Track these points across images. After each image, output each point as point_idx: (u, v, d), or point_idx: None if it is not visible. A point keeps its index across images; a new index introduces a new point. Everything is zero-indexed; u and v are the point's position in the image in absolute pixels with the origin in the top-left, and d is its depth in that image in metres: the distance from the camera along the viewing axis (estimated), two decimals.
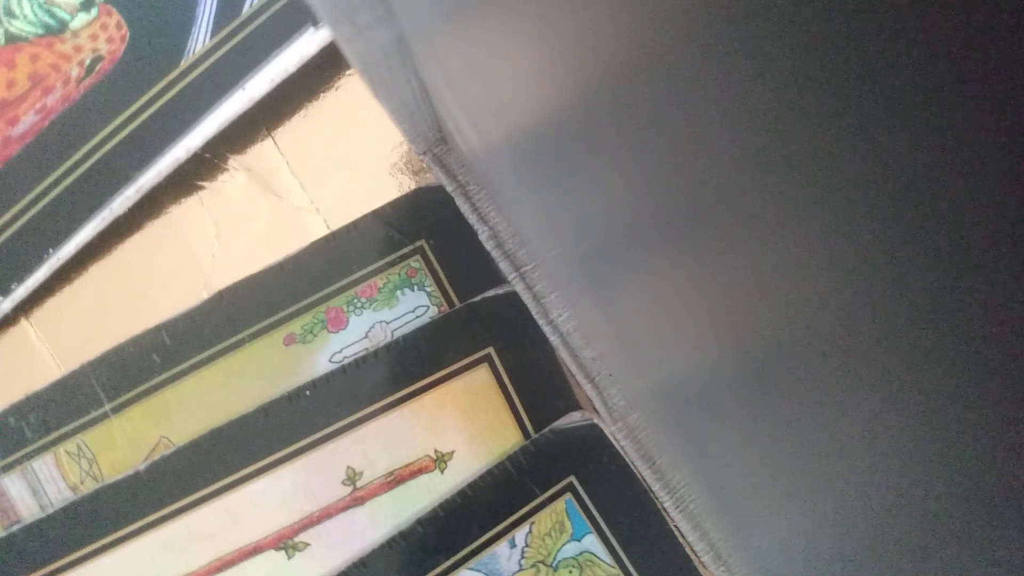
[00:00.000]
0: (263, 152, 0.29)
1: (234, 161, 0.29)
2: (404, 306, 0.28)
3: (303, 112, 0.29)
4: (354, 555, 0.27)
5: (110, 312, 0.29)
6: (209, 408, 0.28)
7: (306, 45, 0.28)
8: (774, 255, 0.09)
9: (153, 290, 0.29)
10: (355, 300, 0.28)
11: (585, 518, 0.27)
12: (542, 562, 0.27)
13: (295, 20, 0.28)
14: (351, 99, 0.29)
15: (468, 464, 0.28)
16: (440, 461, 0.28)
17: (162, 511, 0.27)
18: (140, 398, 0.28)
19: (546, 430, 0.28)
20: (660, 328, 0.17)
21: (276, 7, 0.28)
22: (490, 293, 0.28)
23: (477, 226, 0.28)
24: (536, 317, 0.28)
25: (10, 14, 0.28)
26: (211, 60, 0.28)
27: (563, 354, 0.28)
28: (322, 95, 0.29)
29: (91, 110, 0.28)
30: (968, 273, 0.06)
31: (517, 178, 0.21)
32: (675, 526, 0.27)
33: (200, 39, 0.28)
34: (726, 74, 0.07)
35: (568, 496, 0.27)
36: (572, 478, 0.27)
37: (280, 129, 0.29)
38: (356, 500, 0.27)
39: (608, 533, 0.27)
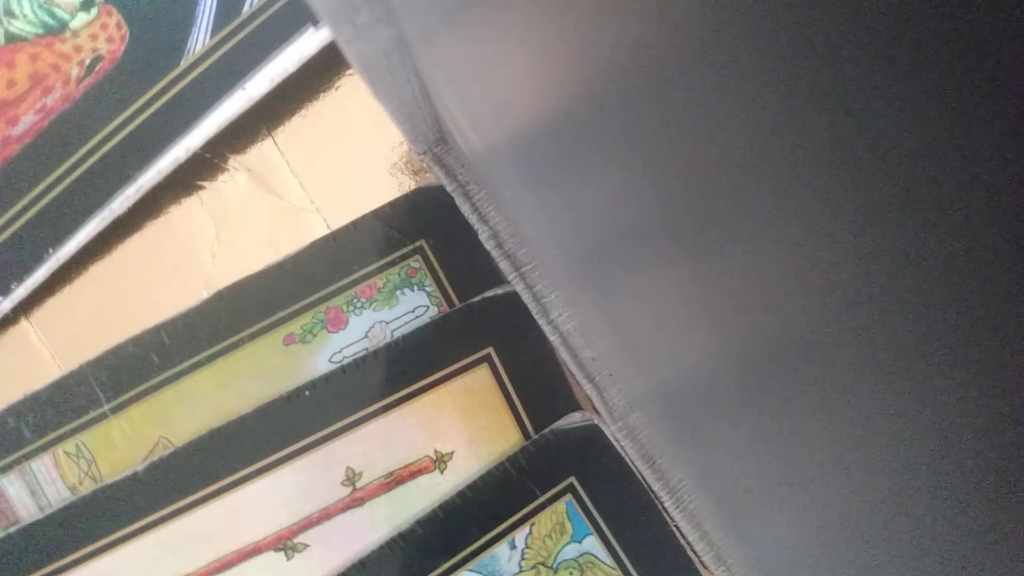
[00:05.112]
0: (263, 152, 0.29)
1: (234, 161, 0.29)
2: (404, 306, 0.28)
3: (303, 112, 0.29)
4: (353, 556, 0.27)
5: (110, 312, 0.29)
6: (208, 408, 0.28)
7: (306, 45, 0.28)
8: (775, 254, 0.09)
9: (153, 290, 0.29)
10: (355, 300, 0.28)
11: (585, 519, 0.27)
12: (542, 563, 0.27)
13: (295, 20, 0.28)
14: (351, 99, 0.29)
15: (468, 465, 0.28)
16: (440, 462, 0.28)
17: (161, 512, 0.27)
18: (139, 398, 0.28)
19: (546, 431, 0.27)
20: (660, 328, 0.17)
21: (276, 7, 0.28)
22: (490, 293, 0.28)
23: (477, 226, 0.28)
24: (536, 317, 0.28)
25: (10, 14, 0.28)
26: (211, 60, 0.28)
27: (563, 354, 0.28)
28: (322, 95, 0.29)
29: (91, 110, 0.28)
30: (969, 272, 0.06)
31: (517, 178, 0.20)
32: (675, 526, 0.27)
33: (200, 39, 0.28)
34: (727, 72, 0.07)
35: (568, 497, 0.27)
36: (572, 479, 0.27)
37: (280, 129, 0.29)
38: (356, 501, 0.27)
39: (608, 534, 0.27)
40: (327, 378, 0.27)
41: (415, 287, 0.28)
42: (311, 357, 0.28)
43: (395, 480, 0.28)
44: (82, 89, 0.28)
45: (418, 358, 0.28)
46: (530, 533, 0.27)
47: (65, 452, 0.28)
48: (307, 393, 0.27)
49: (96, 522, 0.27)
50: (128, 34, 0.28)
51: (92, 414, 0.28)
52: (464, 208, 0.28)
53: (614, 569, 0.27)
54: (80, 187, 0.28)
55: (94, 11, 0.28)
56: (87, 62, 0.28)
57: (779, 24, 0.06)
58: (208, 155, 0.29)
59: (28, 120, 0.28)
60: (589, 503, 0.27)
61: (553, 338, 0.27)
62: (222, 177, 0.29)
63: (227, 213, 0.29)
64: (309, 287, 0.28)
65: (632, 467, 0.27)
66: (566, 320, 0.27)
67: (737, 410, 0.15)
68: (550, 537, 0.27)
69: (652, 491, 0.27)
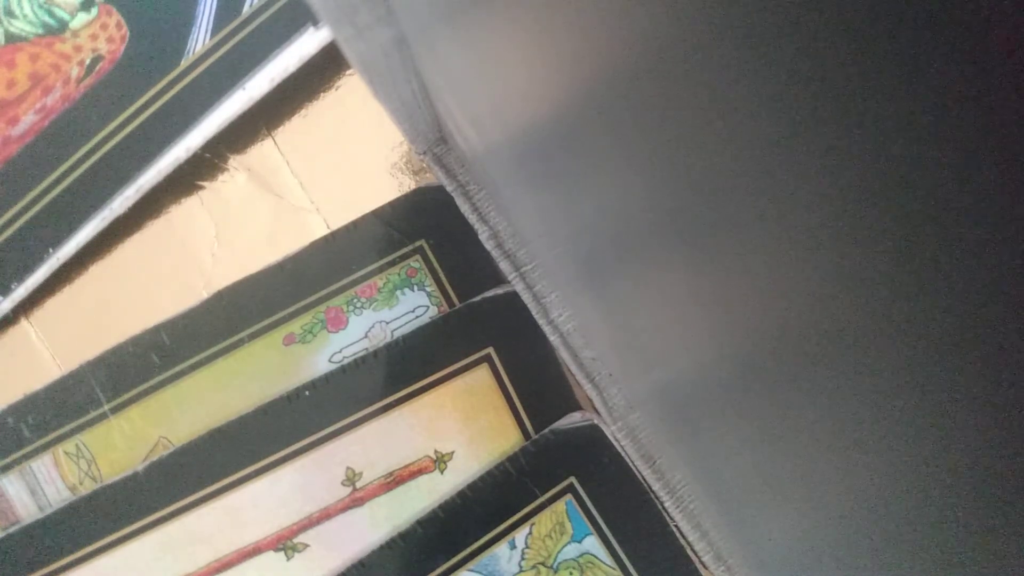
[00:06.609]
0: (263, 152, 0.29)
1: (234, 161, 0.29)
2: (404, 306, 0.28)
3: (303, 112, 0.29)
4: (353, 556, 0.27)
5: (110, 312, 0.29)
6: (208, 408, 0.28)
7: (306, 45, 0.28)
8: (775, 255, 0.09)
9: (153, 290, 0.29)
10: (355, 300, 0.28)
11: (585, 519, 0.27)
12: (542, 563, 0.27)
13: (295, 20, 0.28)
14: (351, 99, 0.29)
15: (468, 465, 0.28)
16: (440, 462, 0.28)
17: (161, 512, 0.27)
18: (139, 398, 0.28)
19: (546, 431, 0.27)
20: (660, 328, 0.17)
21: (276, 7, 0.28)
22: (490, 293, 0.28)
23: (477, 226, 0.28)
24: (536, 317, 0.28)
25: (10, 14, 0.28)
26: (211, 60, 0.28)
27: (563, 354, 0.28)
28: (322, 95, 0.29)
29: (91, 110, 0.28)
30: (969, 272, 0.06)
31: (517, 178, 0.20)
32: (675, 526, 0.27)
33: (200, 39, 0.28)
34: (727, 74, 0.07)
35: (568, 497, 0.27)
36: (572, 479, 0.27)
37: (280, 129, 0.29)
38: (356, 501, 0.27)
39: (608, 534, 0.27)
40: (327, 378, 0.27)
41: (415, 287, 0.28)
42: (311, 357, 0.28)
43: (395, 480, 0.28)
44: (82, 89, 0.28)
45: (418, 358, 0.28)
46: (530, 533, 0.27)
47: (65, 452, 0.28)
48: (307, 393, 0.27)
49: (96, 522, 0.27)
50: (128, 34, 0.28)
51: (92, 414, 0.28)
52: (464, 208, 0.28)
53: (614, 569, 0.27)
54: (80, 187, 0.28)
55: (94, 11, 0.28)
56: (87, 62, 0.28)
57: (779, 24, 0.06)
58: (208, 155, 0.29)
59: (28, 120, 0.28)
60: (589, 503, 0.27)
61: (553, 338, 0.27)
62: (222, 177, 0.29)
63: (227, 213, 0.29)
64: (309, 287, 0.28)
65: (632, 467, 0.27)
66: (566, 320, 0.27)
67: (737, 410, 0.15)
68: (550, 537, 0.27)
69: (652, 491, 0.27)
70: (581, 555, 0.27)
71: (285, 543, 0.27)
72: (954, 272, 0.06)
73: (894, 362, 0.08)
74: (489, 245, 0.28)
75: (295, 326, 0.28)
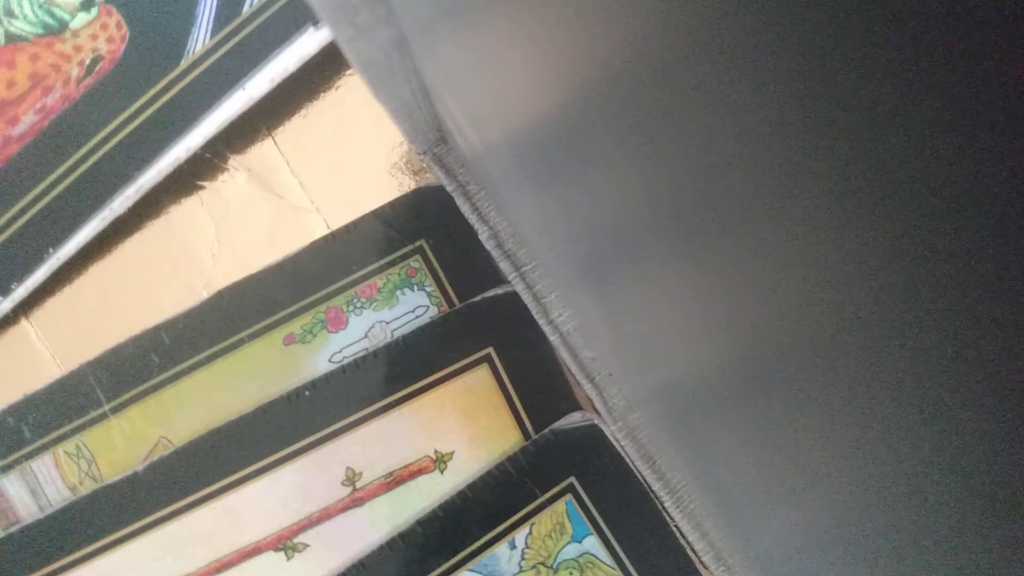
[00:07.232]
0: (263, 152, 0.29)
1: (234, 161, 0.29)
2: (404, 306, 0.28)
3: (303, 112, 0.29)
4: (353, 556, 0.27)
5: (110, 312, 0.29)
6: (208, 408, 0.28)
7: (306, 45, 0.28)
8: (776, 255, 0.09)
9: (153, 290, 0.29)
10: (355, 300, 0.28)
11: (585, 519, 0.27)
12: (542, 563, 0.27)
13: (295, 20, 0.28)
14: (351, 99, 0.29)
15: (468, 465, 0.28)
16: (440, 462, 0.28)
17: (161, 512, 0.27)
18: (139, 398, 0.28)
19: (546, 431, 0.27)
20: (660, 328, 0.17)
21: (276, 7, 0.28)
22: (490, 293, 0.28)
23: (477, 226, 0.28)
24: (536, 317, 0.28)
25: (10, 14, 0.28)
26: (211, 60, 0.28)
27: (563, 354, 0.28)
28: (322, 95, 0.29)
29: (91, 110, 0.28)
30: (968, 272, 0.06)
31: (517, 178, 0.21)
32: (675, 526, 0.27)
33: (200, 39, 0.28)
34: (726, 74, 0.07)
35: (568, 497, 0.27)
36: (572, 479, 0.27)
37: (280, 129, 0.29)
38: (356, 501, 0.27)
39: (608, 534, 0.27)
40: (327, 378, 0.27)
41: (415, 287, 0.28)
42: (311, 357, 0.28)
43: (395, 480, 0.28)
44: (82, 89, 0.28)
45: (418, 358, 0.28)
46: (530, 533, 0.27)
47: (65, 452, 0.28)
48: (307, 393, 0.27)
49: (96, 522, 0.27)
50: (128, 34, 0.28)
51: (92, 414, 0.28)
52: (464, 208, 0.28)
53: (614, 569, 0.27)
54: (80, 187, 0.28)
55: (94, 11, 0.28)
56: (87, 62, 0.28)
57: (779, 22, 0.06)
58: (208, 155, 0.29)
59: (28, 120, 0.28)
60: (589, 503, 0.27)
61: (553, 338, 0.27)
62: (222, 177, 0.29)
63: (227, 213, 0.29)
64: (309, 287, 0.28)
65: (632, 467, 0.27)
66: (566, 320, 0.27)
67: (736, 410, 0.15)
68: (550, 537, 0.27)
69: (652, 491, 0.27)
70: (581, 555, 0.27)
71: (285, 543, 0.27)
72: (956, 271, 0.06)
73: (896, 362, 0.08)
74: (489, 245, 0.28)
75: (295, 326, 0.28)
